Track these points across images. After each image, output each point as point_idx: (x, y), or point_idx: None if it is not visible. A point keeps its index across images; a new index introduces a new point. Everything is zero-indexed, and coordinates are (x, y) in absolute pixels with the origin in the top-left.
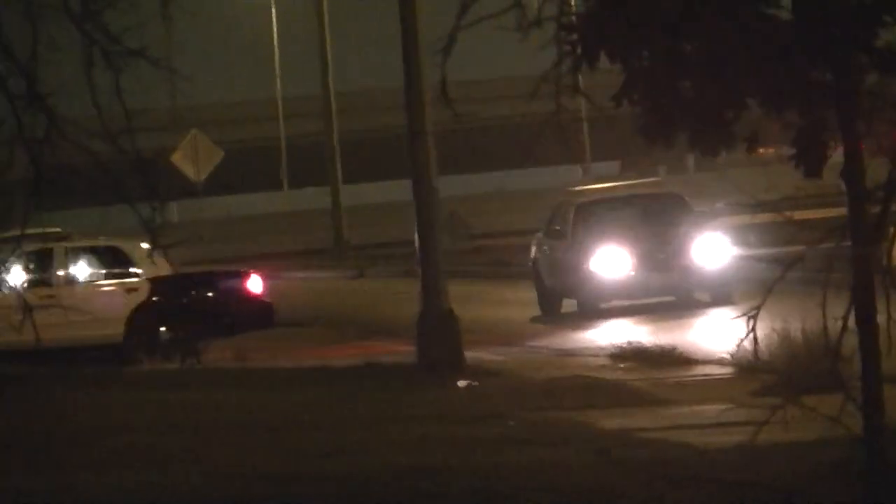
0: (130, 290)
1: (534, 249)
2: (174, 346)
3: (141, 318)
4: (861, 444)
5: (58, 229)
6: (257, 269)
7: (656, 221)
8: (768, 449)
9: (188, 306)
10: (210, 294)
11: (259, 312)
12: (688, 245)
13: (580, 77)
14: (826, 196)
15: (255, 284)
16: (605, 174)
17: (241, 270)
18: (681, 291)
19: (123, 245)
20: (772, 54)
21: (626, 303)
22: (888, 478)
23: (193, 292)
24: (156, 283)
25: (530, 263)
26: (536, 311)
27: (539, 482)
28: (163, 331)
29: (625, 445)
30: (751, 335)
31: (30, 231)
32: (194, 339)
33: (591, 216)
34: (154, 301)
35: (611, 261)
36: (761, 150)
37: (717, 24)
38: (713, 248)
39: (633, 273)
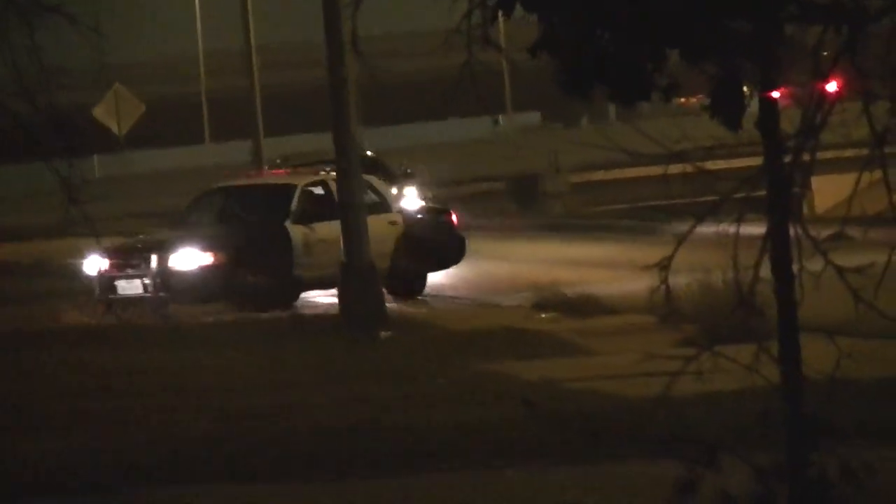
0: None
1: None
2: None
3: None
4: (779, 394)
5: None
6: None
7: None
8: (690, 399)
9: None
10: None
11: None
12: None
13: (499, 28)
14: (743, 146)
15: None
16: (527, 124)
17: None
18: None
19: None
20: (691, 4)
21: None
22: (807, 429)
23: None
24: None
25: None
26: None
27: (467, 439)
28: None
29: (550, 398)
30: (664, 286)
31: None
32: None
33: None
34: None
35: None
36: (683, 101)
37: None
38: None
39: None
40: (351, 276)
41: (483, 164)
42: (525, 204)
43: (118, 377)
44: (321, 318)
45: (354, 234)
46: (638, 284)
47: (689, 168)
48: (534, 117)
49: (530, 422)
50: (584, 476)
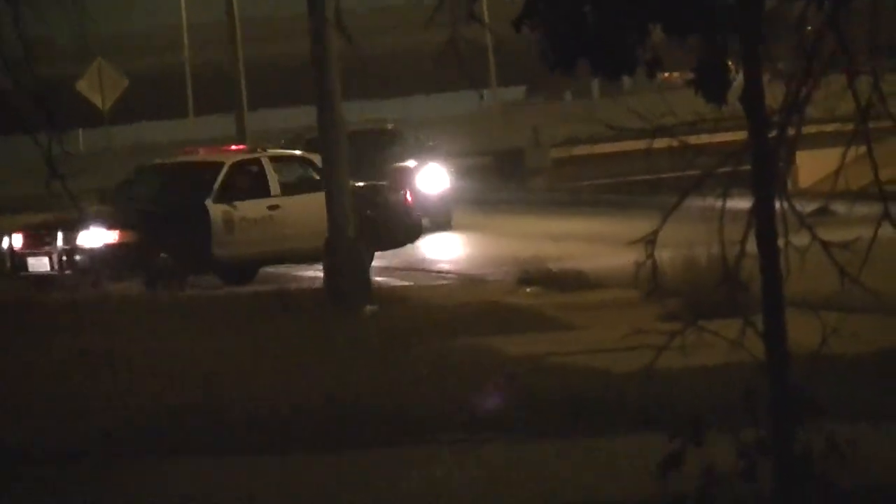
0: None
1: None
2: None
3: None
4: (764, 370)
5: None
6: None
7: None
8: (675, 374)
9: None
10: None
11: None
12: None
13: (483, 3)
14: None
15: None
16: (512, 99)
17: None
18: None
19: None
20: None
21: None
22: (792, 404)
23: None
24: None
25: None
26: None
27: (449, 414)
28: None
29: (533, 373)
30: (650, 260)
31: None
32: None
33: None
34: None
35: None
36: (667, 76)
37: None
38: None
39: None
40: (335, 251)
41: (469, 139)
42: (509, 179)
43: (86, 353)
44: (306, 293)
45: (338, 211)
46: (622, 259)
47: (673, 143)
48: (519, 92)
49: (514, 397)
50: (566, 450)
